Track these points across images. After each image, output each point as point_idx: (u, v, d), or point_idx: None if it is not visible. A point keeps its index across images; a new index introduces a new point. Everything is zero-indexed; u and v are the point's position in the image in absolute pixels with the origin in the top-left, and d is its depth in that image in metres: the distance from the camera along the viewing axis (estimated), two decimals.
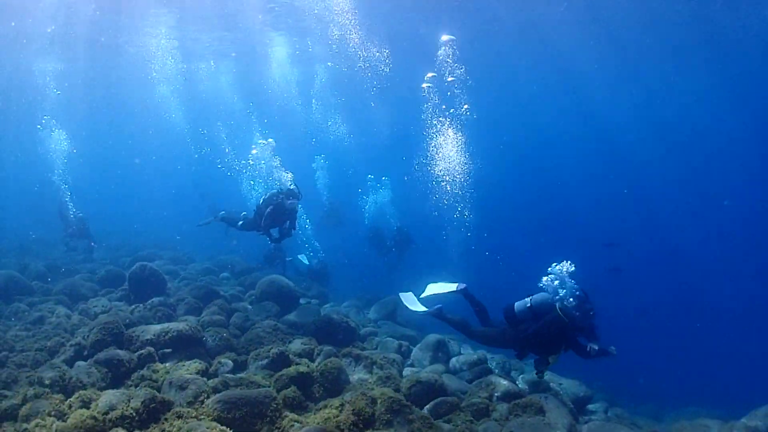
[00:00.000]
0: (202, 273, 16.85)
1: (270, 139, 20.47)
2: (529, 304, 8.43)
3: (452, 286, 9.34)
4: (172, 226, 36.10)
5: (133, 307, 11.42)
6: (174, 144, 46.48)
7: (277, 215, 12.20)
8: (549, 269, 8.90)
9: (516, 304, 8.59)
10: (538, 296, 8.50)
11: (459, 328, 9.09)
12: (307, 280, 17.92)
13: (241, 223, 13.59)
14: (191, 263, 19.00)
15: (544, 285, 8.61)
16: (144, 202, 51.01)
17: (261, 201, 12.56)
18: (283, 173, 14.67)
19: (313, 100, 31.49)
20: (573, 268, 8.73)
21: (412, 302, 10.01)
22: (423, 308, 9.68)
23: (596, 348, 7.99)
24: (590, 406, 10.95)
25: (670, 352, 19.90)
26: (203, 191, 27.50)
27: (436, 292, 9.60)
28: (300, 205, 12.68)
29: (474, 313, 9.31)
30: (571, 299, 8.09)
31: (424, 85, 19.33)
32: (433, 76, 19.25)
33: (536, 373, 8.45)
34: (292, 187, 12.39)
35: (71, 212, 18.73)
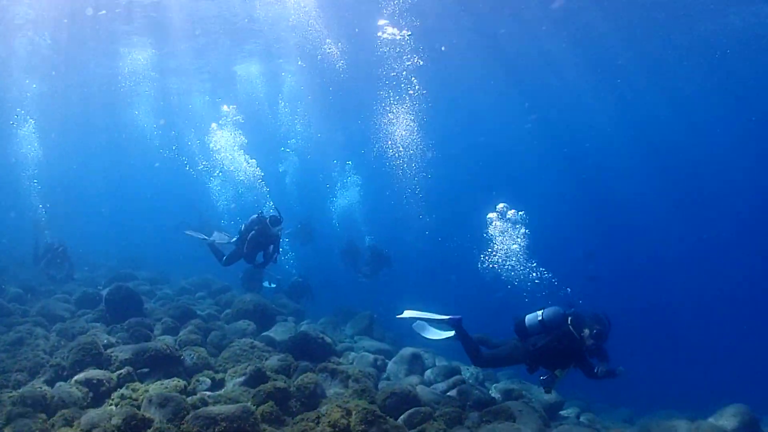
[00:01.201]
0: (179, 293, 17.00)
1: (233, 106, 20.56)
2: (540, 318, 8.55)
3: (445, 333, 9.45)
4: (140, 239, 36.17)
5: (110, 327, 11.54)
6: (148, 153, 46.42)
7: (260, 240, 12.30)
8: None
9: (527, 317, 8.73)
10: (549, 309, 8.62)
11: (471, 352, 9.11)
12: (284, 298, 18.02)
13: (225, 258, 13.32)
14: (167, 283, 19.10)
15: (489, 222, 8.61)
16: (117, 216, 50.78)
17: (242, 227, 12.62)
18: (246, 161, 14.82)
19: (282, 103, 31.85)
20: (521, 215, 8.83)
21: (429, 332, 9.98)
22: (446, 334, 9.61)
23: (604, 369, 8.14)
24: (562, 412, 11.24)
25: (649, 355, 20.37)
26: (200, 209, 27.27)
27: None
28: (282, 230, 12.78)
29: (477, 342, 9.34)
30: (588, 322, 8.21)
31: (380, 34, 19.58)
32: (386, 23, 19.51)
33: (544, 390, 8.55)
34: (272, 212, 12.44)
35: (48, 240, 18.52)
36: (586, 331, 8.11)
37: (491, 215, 9.46)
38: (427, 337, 10.08)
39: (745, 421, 9.15)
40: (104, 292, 13.30)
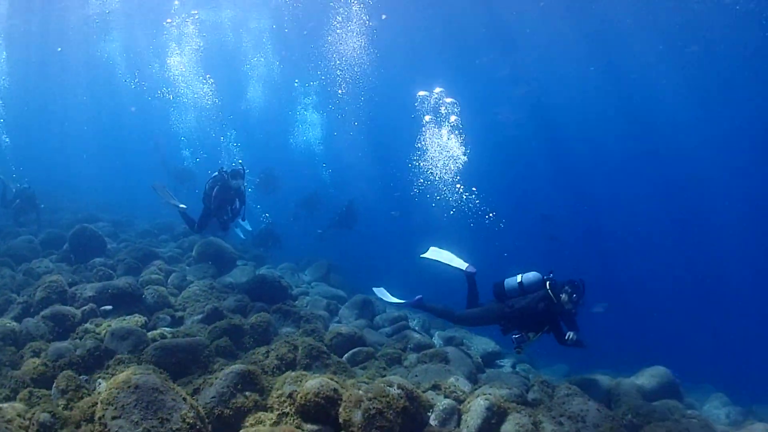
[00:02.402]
0: (142, 235, 17.39)
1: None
2: (519, 281, 8.87)
3: (462, 264, 9.79)
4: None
5: (75, 267, 12.00)
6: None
7: (224, 195, 12.29)
8: None
9: (506, 280, 9.06)
10: (528, 274, 8.90)
11: (443, 315, 9.59)
12: (247, 244, 18.47)
13: (196, 224, 12.99)
14: (131, 226, 19.41)
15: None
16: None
17: (206, 187, 12.54)
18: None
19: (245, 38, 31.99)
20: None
21: (385, 295, 10.63)
22: (398, 300, 10.17)
23: (574, 338, 8.42)
24: (499, 361, 11.87)
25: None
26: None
27: (438, 259, 10.07)
28: (246, 185, 12.71)
29: (466, 295, 9.78)
30: (566, 287, 8.49)
31: None
32: None
33: (515, 349, 8.84)
34: (236, 166, 12.31)
35: (14, 187, 18.24)
36: (564, 296, 8.45)
37: (422, 93, 9.39)
38: (386, 300, 10.80)
39: (664, 382, 9.60)
40: (68, 233, 13.65)
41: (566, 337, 8.55)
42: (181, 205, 12.87)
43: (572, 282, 8.55)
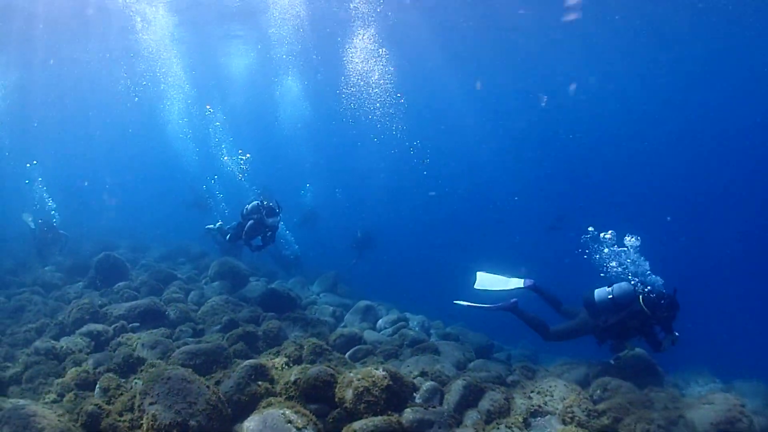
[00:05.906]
0: (160, 259, 18.56)
1: None
2: (610, 296, 8.91)
3: (518, 282, 9.96)
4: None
5: (101, 291, 13.20)
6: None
7: (258, 229, 13.28)
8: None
9: (596, 292, 9.11)
10: (619, 287, 8.95)
11: (535, 327, 9.56)
12: (260, 263, 19.48)
13: (228, 236, 14.41)
14: (148, 250, 20.62)
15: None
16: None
17: (244, 211, 13.49)
18: None
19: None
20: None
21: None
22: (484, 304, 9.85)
23: (670, 343, 8.68)
24: (495, 355, 12.90)
25: None
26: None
27: (490, 288, 10.19)
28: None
29: (551, 308, 9.98)
30: (653, 294, 8.59)
31: None
32: None
33: (612, 359, 9.14)
34: (270, 203, 13.18)
35: (38, 221, 19.11)
36: (660, 311, 8.52)
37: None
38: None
39: (640, 362, 9.87)
40: (93, 260, 14.86)
41: (662, 346, 8.85)
42: (218, 223, 15.48)
43: (669, 296, 8.66)
